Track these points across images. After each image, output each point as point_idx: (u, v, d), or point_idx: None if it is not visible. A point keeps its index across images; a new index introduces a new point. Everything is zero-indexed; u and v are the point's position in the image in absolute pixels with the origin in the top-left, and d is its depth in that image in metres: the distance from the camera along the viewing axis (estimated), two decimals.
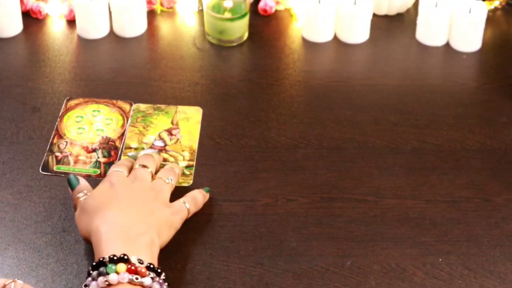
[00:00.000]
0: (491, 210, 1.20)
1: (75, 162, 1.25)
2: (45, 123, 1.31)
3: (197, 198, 1.16)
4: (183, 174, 1.23)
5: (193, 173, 1.24)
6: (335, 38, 1.51)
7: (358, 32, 1.49)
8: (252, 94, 1.39)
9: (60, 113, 1.33)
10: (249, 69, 1.44)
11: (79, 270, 1.09)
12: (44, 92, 1.37)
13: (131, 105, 1.35)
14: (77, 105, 1.35)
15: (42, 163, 1.24)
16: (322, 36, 1.50)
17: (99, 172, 1.23)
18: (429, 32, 1.49)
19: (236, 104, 1.36)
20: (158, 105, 1.35)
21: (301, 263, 1.13)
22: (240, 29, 1.48)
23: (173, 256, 1.13)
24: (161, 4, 1.55)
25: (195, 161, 1.26)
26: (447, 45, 1.49)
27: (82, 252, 1.11)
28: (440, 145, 1.30)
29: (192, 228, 1.16)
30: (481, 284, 1.11)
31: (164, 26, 1.52)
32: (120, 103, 1.35)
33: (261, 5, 1.54)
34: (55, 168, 1.24)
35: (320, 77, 1.42)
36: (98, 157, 1.25)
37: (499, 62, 1.46)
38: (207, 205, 1.20)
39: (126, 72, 1.41)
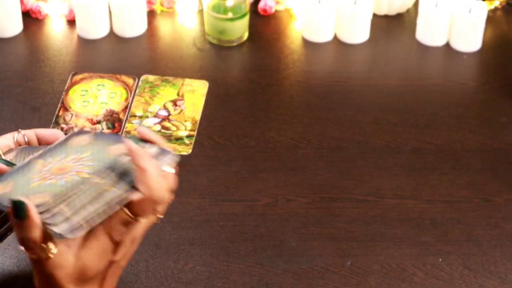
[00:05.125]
0: (491, 210, 1.20)
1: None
2: (45, 123, 1.31)
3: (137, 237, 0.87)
4: (183, 143, 1.27)
5: (193, 143, 1.28)
6: (335, 38, 1.51)
7: (358, 32, 1.49)
8: (252, 94, 1.39)
9: (66, 87, 1.37)
10: (249, 69, 1.44)
11: None
12: (44, 92, 1.37)
13: (134, 79, 1.38)
14: (82, 79, 1.39)
15: None
16: (322, 36, 1.50)
17: None
18: (429, 32, 1.48)
19: (236, 104, 1.36)
20: (166, 77, 1.39)
21: (301, 263, 1.12)
22: (240, 29, 1.48)
23: (173, 256, 1.13)
24: (161, 4, 1.55)
25: (196, 131, 1.30)
26: (447, 45, 1.49)
27: None
28: (440, 145, 1.30)
29: (192, 228, 1.17)
30: (481, 284, 1.10)
31: (164, 26, 1.52)
32: (124, 77, 1.39)
33: (261, 5, 1.54)
34: None
35: (320, 77, 1.42)
36: (103, 129, 1.30)
37: (499, 62, 1.46)
38: (207, 205, 1.20)
39: (126, 72, 1.41)
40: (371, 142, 1.30)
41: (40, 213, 0.79)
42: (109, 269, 0.83)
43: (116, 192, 0.81)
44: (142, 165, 0.80)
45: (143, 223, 0.84)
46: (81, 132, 0.91)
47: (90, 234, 0.82)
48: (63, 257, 0.80)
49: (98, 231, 0.82)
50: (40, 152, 0.89)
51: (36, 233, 0.78)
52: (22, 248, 0.80)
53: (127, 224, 0.82)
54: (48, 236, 0.79)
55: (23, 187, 0.83)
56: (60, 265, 0.80)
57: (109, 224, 0.81)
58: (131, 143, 0.81)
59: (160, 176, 0.82)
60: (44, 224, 0.79)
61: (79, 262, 0.81)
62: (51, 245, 0.80)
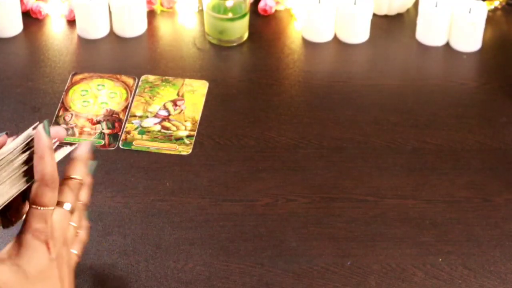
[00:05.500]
0: (491, 210, 1.20)
1: (80, 133, 1.30)
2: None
3: (83, 240, 0.89)
4: (183, 143, 1.27)
5: (193, 143, 1.28)
6: (335, 38, 1.51)
7: (358, 32, 1.49)
8: (252, 94, 1.39)
9: (66, 87, 1.37)
10: (249, 69, 1.44)
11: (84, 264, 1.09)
12: (44, 92, 1.37)
13: (134, 79, 1.38)
14: (82, 79, 1.39)
15: None
16: (322, 36, 1.50)
17: (103, 142, 1.29)
18: (429, 32, 1.49)
19: (236, 104, 1.36)
20: (166, 77, 1.39)
21: (301, 263, 1.12)
22: (240, 29, 1.48)
23: (173, 256, 1.13)
24: (161, 4, 1.55)
25: (196, 131, 1.30)
26: (447, 45, 1.49)
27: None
28: (440, 145, 1.30)
29: (192, 228, 1.17)
30: (481, 284, 1.10)
31: (164, 26, 1.52)
32: (124, 77, 1.39)
33: (261, 5, 1.54)
34: None
35: (320, 77, 1.42)
36: (103, 129, 1.31)
37: (499, 62, 1.46)
38: (207, 205, 1.20)
39: (126, 72, 1.41)
40: (371, 142, 1.30)
41: None
42: (54, 270, 0.83)
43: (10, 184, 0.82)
44: (41, 153, 0.81)
45: (58, 213, 0.83)
46: None
47: (18, 243, 0.82)
48: None
49: (22, 235, 0.82)
50: None
51: None
52: None
53: (44, 219, 0.82)
54: None
55: None
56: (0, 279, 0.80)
57: (29, 226, 0.82)
58: (40, 129, 0.82)
59: (54, 164, 0.82)
60: None
61: (19, 269, 0.81)
62: None
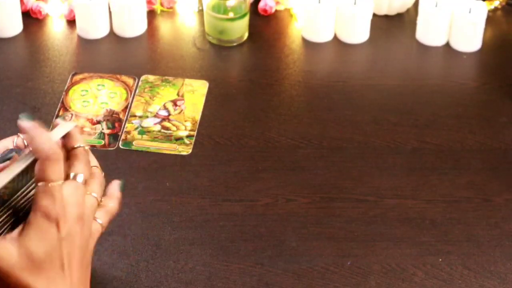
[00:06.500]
0: (491, 210, 1.20)
1: (80, 133, 1.29)
2: (45, 123, 1.31)
3: (112, 211, 0.87)
4: (183, 143, 1.27)
5: (193, 143, 1.28)
6: (335, 38, 1.51)
7: (358, 32, 1.49)
8: (252, 94, 1.39)
9: (66, 87, 1.37)
10: (249, 69, 1.44)
11: None
12: (44, 92, 1.37)
13: (134, 79, 1.38)
14: (82, 79, 1.39)
15: None
16: (322, 36, 1.50)
17: (103, 143, 1.29)
18: (429, 32, 1.49)
19: (236, 104, 1.36)
20: (166, 77, 1.39)
21: (301, 263, 1.13)
22: (240, 29, 1.48)
23: (173, 256, 1.13)
24: (161, 4, 1.55)
25: (196, 131, 1.30)
26: (447, 45, 1.49)
27: None
28: (440, 145, 1.30)
29: (192, 228, 1.17)
30: (481, 284, 1.11)
31: (164, 26, 1.52)
32: (124, 77, 1.39)
33: (261, 5, 1.54)
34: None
35: (320, 77, 1.42)
36: (103, 129, 1.31)
37: (499, 62, 1.46)
38: (207, 205, 1.20)
39: (126, 72, 1.41)
40: (371, 142, 1.30)
41: None
42: (63, 249, 0.81)
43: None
44: (30, 135, 0.80)
45: (69, 187, 0.81)
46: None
47: (28, 223, 0.80)
48: (1, 248, 0.79)
49: (31, 214, 0.80)
50: None
51: None
52: None
53: (51, 195, 0.80)
54: None
55: None
56: (1, 257, 0.79)
57: (37, 204, 0.79)
58: (20, 122, 0.80)
59: (49, 138, 0.81)
60: None
61: (23, 250, 0.79)
62: None
